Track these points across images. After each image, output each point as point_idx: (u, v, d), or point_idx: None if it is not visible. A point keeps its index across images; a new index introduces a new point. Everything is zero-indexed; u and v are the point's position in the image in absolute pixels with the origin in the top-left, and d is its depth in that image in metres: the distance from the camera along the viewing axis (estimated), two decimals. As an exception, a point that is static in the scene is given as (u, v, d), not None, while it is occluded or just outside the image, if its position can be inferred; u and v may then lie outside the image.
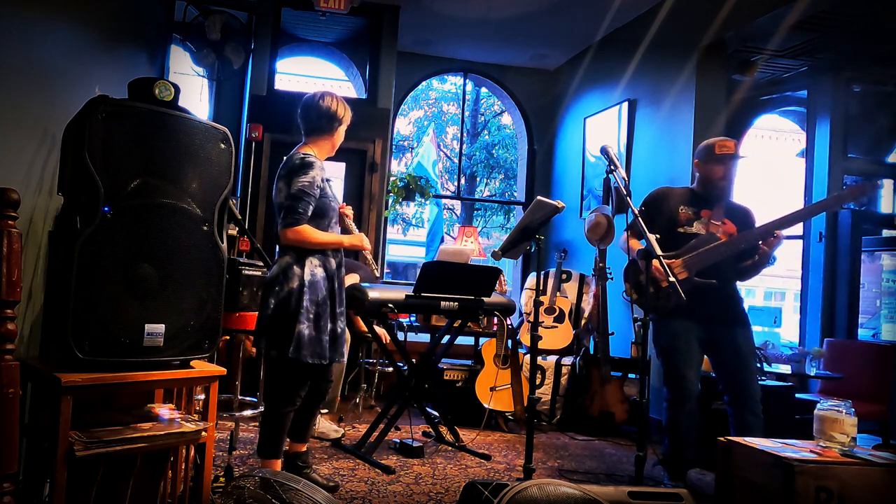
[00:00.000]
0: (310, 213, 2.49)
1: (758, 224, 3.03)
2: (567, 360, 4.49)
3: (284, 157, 2.63)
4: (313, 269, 2.51)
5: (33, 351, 2.27)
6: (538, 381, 4.40)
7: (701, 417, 3.07)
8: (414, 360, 3.61)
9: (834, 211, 5.17)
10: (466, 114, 11.10)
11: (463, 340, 4.66)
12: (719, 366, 3.04)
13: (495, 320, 4.42)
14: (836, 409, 2.23)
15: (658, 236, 2.58)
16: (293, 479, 1.81)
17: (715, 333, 2.99)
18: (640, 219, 2.52)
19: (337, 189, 2.68)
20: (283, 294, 2.47)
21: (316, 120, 2.63)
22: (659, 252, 2.48)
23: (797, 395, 3.73)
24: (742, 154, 3.03)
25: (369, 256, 2.79)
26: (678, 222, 3.06)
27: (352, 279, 3.56)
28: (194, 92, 5.14)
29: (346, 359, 2.72)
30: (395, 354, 3.65)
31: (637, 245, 3.04)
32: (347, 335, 2.85)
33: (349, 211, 2.79)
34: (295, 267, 2.49)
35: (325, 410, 3.56)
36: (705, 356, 3.07)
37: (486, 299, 3.45)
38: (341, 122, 2.67)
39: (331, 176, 2.70)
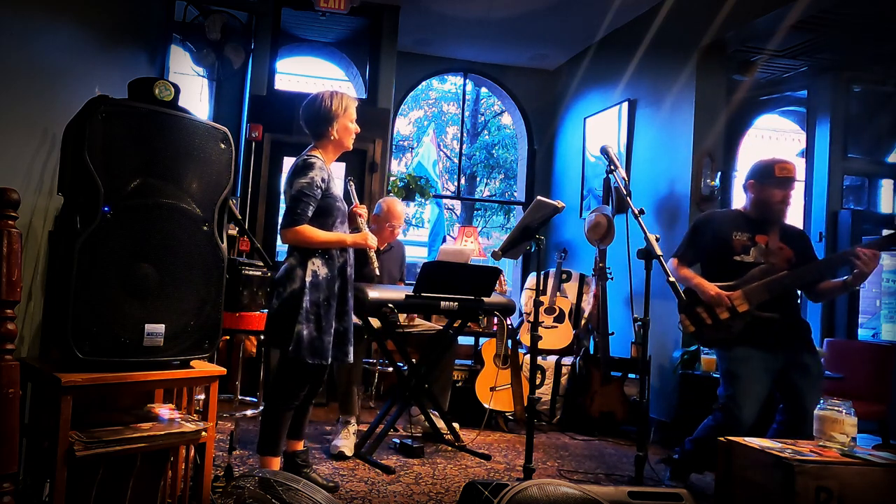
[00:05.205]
0: (310, 214, 2.51)
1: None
2: (567, 360, 4.49)
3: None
4: (316, 269, 2.54)
5: (33, 351, 2.27)
6: (538, 381, 4.40)
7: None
8: (414, 359, 3.61)
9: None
10: (466, 114, 11.10)
11: (463, 340, 4.66)
12: (786, 386, 2.79)
13: (495, 320, 4.42)
14: (836, 409, 2.24)
15: (654, 245, 2.49)
16: (293, 480, 1.81)
17: (784, 359, 2.78)
18: (638, 219, 2.50)
19: (337, 189, 2.68)
20: (286, 295, 2.51)
21: (312, 121, 2.65)
22: (659, 252, 2.45)
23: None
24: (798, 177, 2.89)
25: (373, 255, 2.77)
26: (733, 250, 2.85)
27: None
28: (194, 92, 5.14)
29: (350, 358, 2.69)
30: (395, 354, 3.65)
31: (690, 275, 2.91)
32: None
33: (363, 211, 2.78)
34: (298, 268, 2.53)
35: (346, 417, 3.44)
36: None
37: (486, 299, 3.45)
38: (335, 118, 2.61)
39: (334, 176, 2.70)
